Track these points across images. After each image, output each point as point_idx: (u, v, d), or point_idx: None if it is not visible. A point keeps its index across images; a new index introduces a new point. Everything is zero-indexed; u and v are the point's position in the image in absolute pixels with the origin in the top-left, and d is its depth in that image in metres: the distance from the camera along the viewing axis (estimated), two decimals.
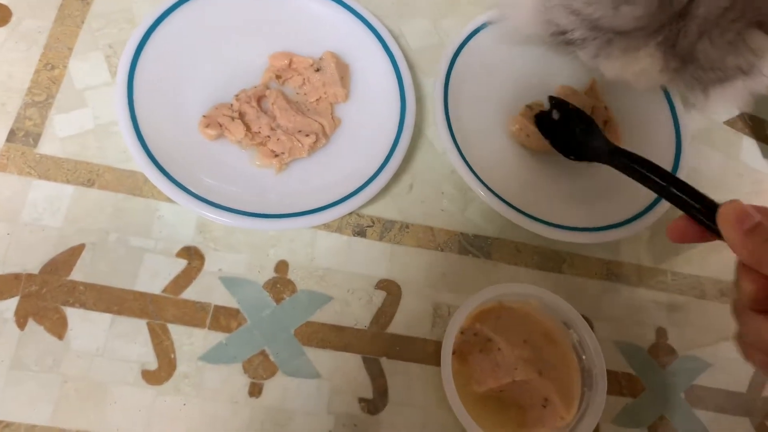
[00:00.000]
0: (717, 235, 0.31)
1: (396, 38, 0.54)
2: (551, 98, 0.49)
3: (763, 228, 0.29)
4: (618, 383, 0.47)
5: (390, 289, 0.46)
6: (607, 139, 0.46)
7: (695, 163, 0.55)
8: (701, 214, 0.32)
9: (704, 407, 0.47)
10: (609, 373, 0.47)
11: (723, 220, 0.30)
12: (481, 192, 0.46)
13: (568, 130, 0.48)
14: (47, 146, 0.46)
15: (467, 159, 0.47)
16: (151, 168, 0.42)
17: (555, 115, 0.49)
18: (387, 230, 0.48)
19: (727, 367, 0.49)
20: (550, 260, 0.49)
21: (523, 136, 0.51)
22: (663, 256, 0.51)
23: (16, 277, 0.42)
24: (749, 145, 0.57)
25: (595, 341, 0.42)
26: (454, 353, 0.42)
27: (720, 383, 0.48)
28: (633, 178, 0.40)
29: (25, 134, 0.45)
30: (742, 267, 0.30)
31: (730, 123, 0.58)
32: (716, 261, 0.52)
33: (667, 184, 0.36)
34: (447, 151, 0.47)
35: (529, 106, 0.52)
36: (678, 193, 0.35)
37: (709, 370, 0.48)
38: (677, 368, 0.48)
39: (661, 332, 0.49)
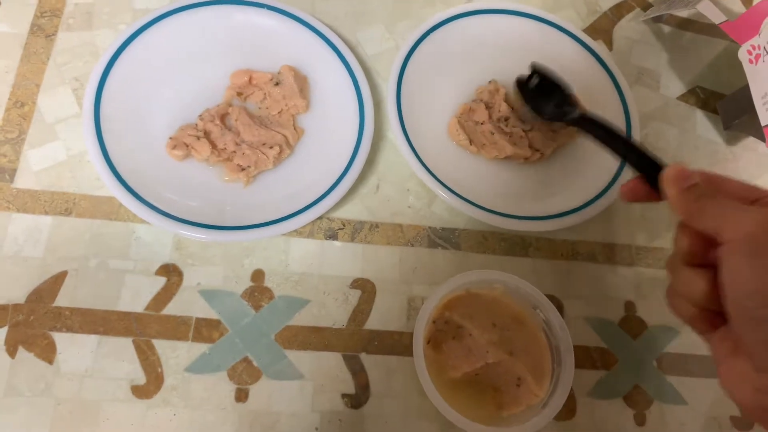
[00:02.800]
0: (661, 194, 0.34)
1: (353, 46, 0.56)
2: (533, 66, 0.50)
3: (697, 187, 0.32)
4: (591, 358, 0.49)
5: (364, 288, 0.48)
6: (579, 105, 0.48)
7: (653, 140, 0.58)
8: (651, 174, 0.35)
9: (676, 373, 0.49)
10: (582, 348, 0.49)
11: (665, 180, 0.33)
12: (441, 192, 0.48)
13: (545, 95, 0.50)
14: (23, 180, 0.47)
15: (424, 159, 0.49)
16: (123, 193, 0.44)
17: (534, 82, 0.50)
18: (357, 231, 0.50)
19: (695, 333, 0.50)
20: (516, 245, 0.51)
21: (464, 141, 0.52)
22: (625, 233, 0.53)
23: (3, 308, 0.44)
24: (703, 118, 0.59)
25: (559, 318, 0.43)
26: (428, 342, 0.44)
27: (689, 349, 0.50)
28: (597, 140, 0.42)
29: (1, 171, 0.47)
30: (680, 225, 0.33)
31: (683, 98, 0.60)
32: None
33: (625, 146, 0.39)
34: (403, 153, 0.49)
35: (468, 105, 0.54)
36: (633, 154, 0.37)
37: (678, 337, 0.50)
38: (647, 338, 0.50)
39: (629, 305, 0.51)
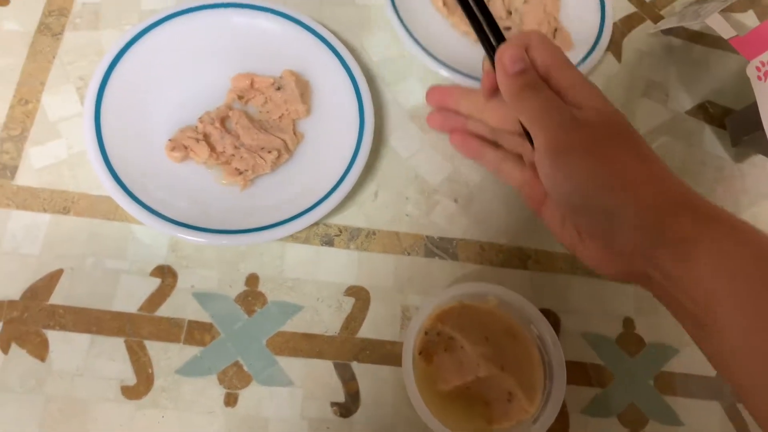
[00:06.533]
0: None
1: (358, 52, 0.56)
2: None
3: (524, 76, 0.33)
4: (587, 374, 0.48)
5: (359, 295, 0.48)
6: None
7: (659, 154, 0.57)
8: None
9: (673, 393, 0.48)
10: (577, 364, 0.48)
11: (497, 58, 0.34)
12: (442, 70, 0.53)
13: None
14: (24, 178, 0.48)
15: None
16: (120, 194, 0.44)
17: None
18: (354, 238, 0.50)
19: (695, 353, 0.48)
20: (515, 257, 0.51)
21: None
22: None
23: None
24: (711, 134, 0.58)
25: (552, 334, 0.43)
26: (420, 353, 0.44)
27: (688, 368, 0.49)
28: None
29: (2, 168, 0.48)
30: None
31: (691, 113, 0.59)
32: None
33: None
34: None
35: None
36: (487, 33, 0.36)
37: (677, 356, 0.49)
38: (645, 356, 0.49)
39: (628, 322, 0.50)
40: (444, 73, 0.53)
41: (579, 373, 0.48)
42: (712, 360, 0.32)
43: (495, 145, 0.41)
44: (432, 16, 0.58)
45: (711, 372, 0.49)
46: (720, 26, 0.52)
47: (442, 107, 0.42)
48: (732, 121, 0.58)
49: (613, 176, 0.32)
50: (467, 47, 0.57)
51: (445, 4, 0.57)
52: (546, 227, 0.38)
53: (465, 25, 0.55)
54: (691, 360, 0.49)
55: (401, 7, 0.55)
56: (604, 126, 0.33)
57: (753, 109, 0.52)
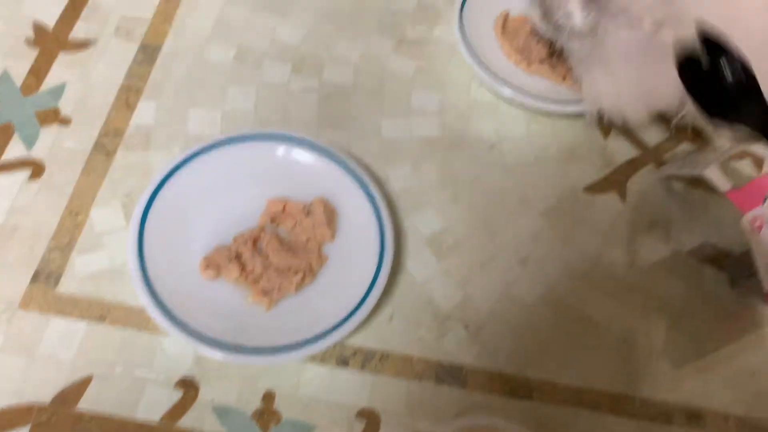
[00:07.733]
0: None
1: (382, 182, 0.61)
2: (703, 35, 0.33)
3: None
4: None
5: (370, 418, 0.50)
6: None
7: (660, 292, 0.60)
8: None
9: None
10: None
11: None
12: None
13: (720, 82, 0.34)
14: (66, 286, 0.51)
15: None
16: (154, 309, 0.47)
17: (705, 61, 0.33)
18: (368, 360, 0.52)
19: None
20: (521, 387, 0.53)
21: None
22: (632, 383, 0.54)
23: (29, 408, 0.47)
24: (711, 274, 0.61)
25: None
26: None
27: None
28: None
29: (47, 276, 0.52)
30: None
31: (692, 252, 0.62)
32: (685, 387, 0.55)
33: None
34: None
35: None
36: None
37: None
38: None
39: None
40: (507, 92, 0.64)
41: None
42: None
43: None
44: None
45: None
46: (717, 178, 0.57)
47: None
48: (731, 265, 0.61)
49: None
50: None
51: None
52: None
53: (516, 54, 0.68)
54: None
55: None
56: None
57: (751, 255, 0.55)
